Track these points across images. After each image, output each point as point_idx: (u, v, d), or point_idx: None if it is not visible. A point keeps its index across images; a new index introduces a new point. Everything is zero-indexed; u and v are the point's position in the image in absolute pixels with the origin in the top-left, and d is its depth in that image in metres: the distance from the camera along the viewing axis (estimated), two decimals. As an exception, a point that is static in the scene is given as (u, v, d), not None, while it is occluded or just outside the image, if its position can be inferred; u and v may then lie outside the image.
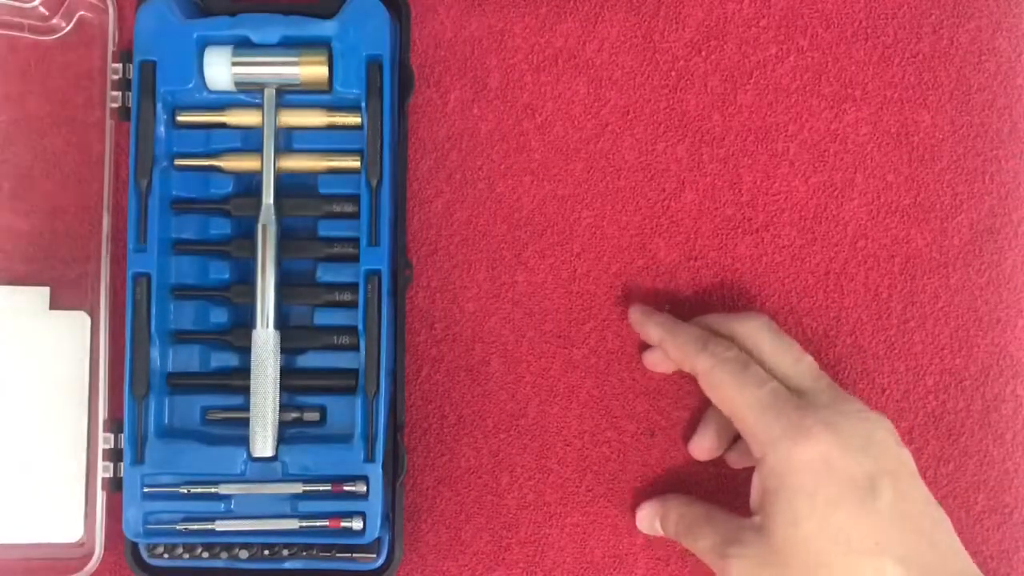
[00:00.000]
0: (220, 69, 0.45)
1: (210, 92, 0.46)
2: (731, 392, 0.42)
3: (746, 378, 0.42)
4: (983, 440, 0.49)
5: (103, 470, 0.46)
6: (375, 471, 0.44)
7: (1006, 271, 0.49)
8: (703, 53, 0.49)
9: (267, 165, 0.45)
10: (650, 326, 0.46)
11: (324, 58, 0.45)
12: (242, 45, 0.45)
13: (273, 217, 0.45)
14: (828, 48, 0.49)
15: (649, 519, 0.47)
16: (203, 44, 0.45)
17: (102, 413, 0.47)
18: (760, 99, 0.49)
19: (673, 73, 0.49)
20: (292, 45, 0.45)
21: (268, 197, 0.45)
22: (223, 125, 0.47)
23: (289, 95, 0.46)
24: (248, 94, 0.46)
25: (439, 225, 0.49)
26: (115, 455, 0.46)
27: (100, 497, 0.46)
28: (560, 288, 0.49)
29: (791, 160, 0.49)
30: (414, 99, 0.49)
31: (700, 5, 0.49)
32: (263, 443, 0.44)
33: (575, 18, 0.49)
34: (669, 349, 0.45)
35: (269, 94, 0.46)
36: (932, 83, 0.49)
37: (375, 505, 0.44)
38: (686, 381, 0.49)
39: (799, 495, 0.39)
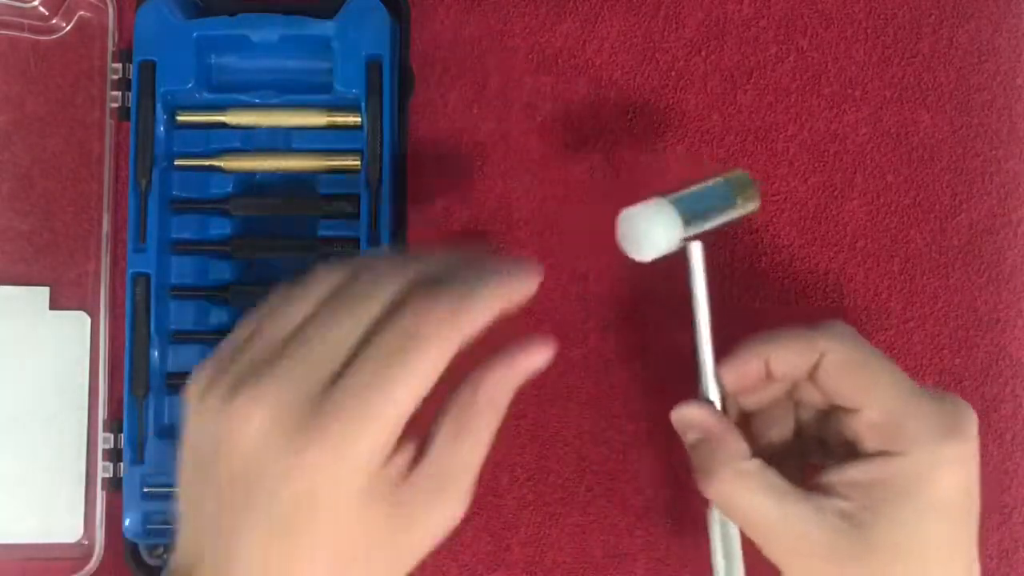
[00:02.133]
0: (669, 231, 0.38)
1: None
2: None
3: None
4: (983, 440, 0.48)
5: (103, 470, 0.46)
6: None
7: (1005, 271, 0.49)
8: (703, 53, 0.49)
9: None
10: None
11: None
12: (681, 200, 0.38)
13: None
14: (828, 48, 0.49)
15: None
16: (203, 44, 0.45)
17: (102, 413, 0.47)
18: (760, 99, 0.49)
19: (673, 73, 0.49)
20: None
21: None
22: (223, 125, 0.47)
23: (289, 95, 0.46)
24: (248, 94, 0.46)
25: (439, 225, 0.49)
26: (115, 455, 0.46)
27: (100, 497, 0.46)
28: (560, 288, 0.49)
29: (791, 160, 0.49)
30: (414, 99, 0.49)
31: (700, 5, 0.49)
32: None
33: (575, 18, 0.49)
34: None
35: (696, 248, 0.39)
36: (932, 83, 0.49)
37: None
38: (684, 381, 0.48)
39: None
